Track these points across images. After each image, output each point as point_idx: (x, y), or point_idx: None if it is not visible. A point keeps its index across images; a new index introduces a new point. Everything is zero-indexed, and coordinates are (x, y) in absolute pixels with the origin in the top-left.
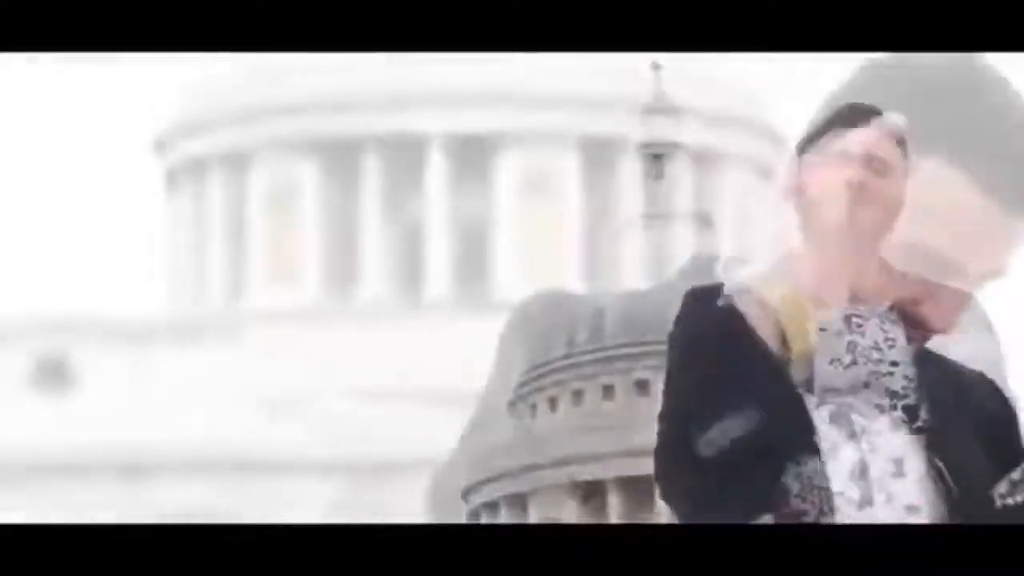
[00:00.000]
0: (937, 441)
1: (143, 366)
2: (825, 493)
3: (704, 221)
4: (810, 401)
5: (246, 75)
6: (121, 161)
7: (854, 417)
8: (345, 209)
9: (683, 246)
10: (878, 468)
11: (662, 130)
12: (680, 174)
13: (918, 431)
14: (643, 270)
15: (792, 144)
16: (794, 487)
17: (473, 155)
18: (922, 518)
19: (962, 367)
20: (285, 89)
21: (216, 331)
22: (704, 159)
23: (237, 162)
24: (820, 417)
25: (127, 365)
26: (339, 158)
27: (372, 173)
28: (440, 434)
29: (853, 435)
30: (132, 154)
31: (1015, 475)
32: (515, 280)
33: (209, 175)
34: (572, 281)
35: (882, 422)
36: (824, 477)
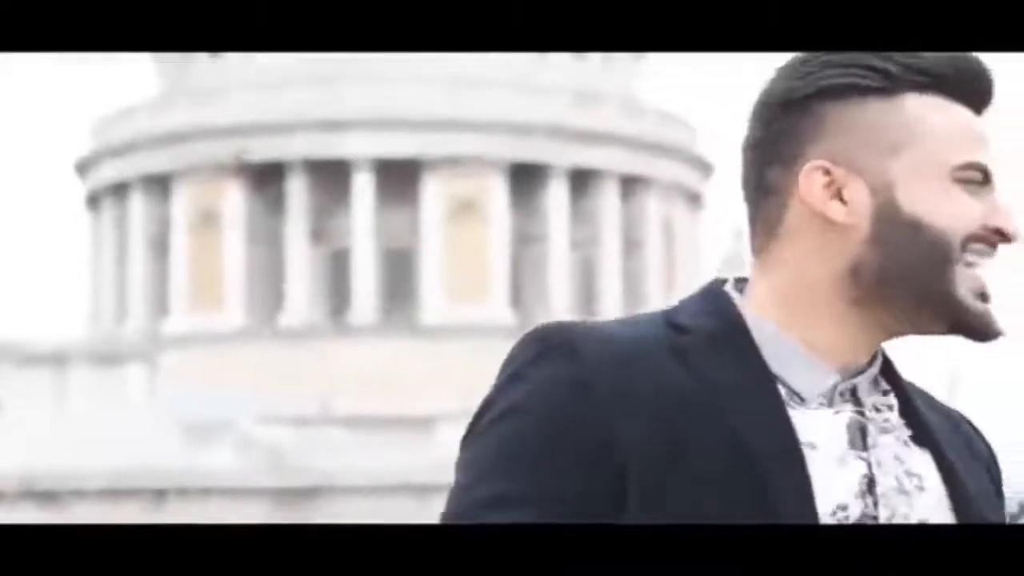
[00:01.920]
0: (942, 458)
1: (62, 390)
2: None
3: (632, 246)
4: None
5: (169, 96)
6: (43, 183)
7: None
8: (270, 233)
9: (610, 271)
10: (886, 483)
11: (589, 155)
12: (607, 199)
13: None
14: (571, 296)
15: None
16: None
17: (400, 179)
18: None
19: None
20: (209, 110)
21: (137, 355)
22: (631, 184)
23: (160, 184)
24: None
25: (46, 390)
26: (264, 181)
27: (297, 196)
28: (366, 459)
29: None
30: (54, 176)
31: (1007, 506)
32: (442, 304)
33: (131, 198)
34: (498, 303)
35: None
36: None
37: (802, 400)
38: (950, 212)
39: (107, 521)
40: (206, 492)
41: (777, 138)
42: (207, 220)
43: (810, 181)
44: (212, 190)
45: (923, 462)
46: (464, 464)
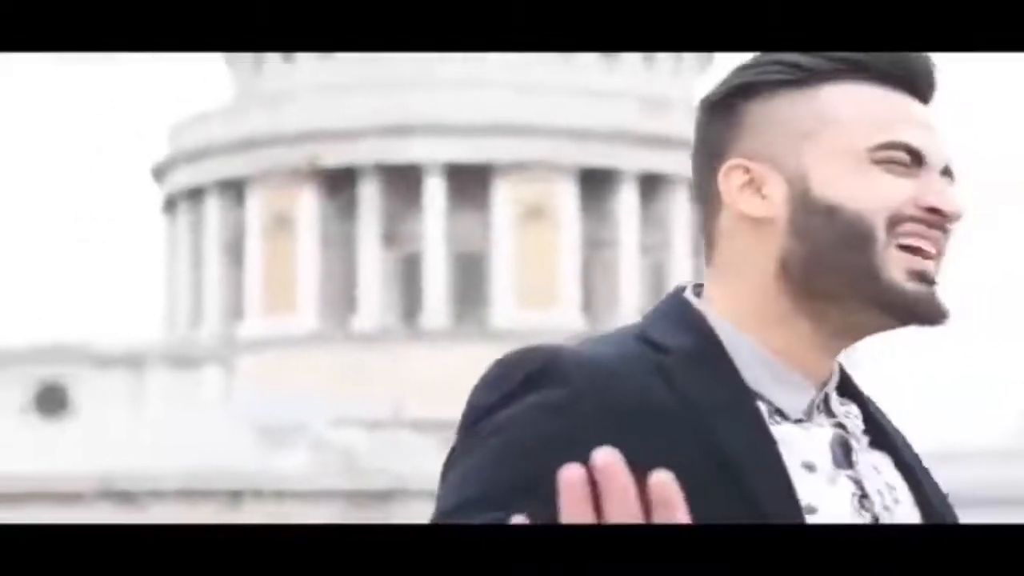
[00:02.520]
0: (901, 462)
1: (139, 392)
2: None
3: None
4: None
5: (242, 101)
6: (121, 187)
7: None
8: (342, 237)
9: (680, 275)
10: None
11: (658, 160)
12: (677, 204)
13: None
14: (641, 300)
15: None
16: None
17: (471, 184)
18: None
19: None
20: (282, 116)
21: (212, 358)
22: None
23: (235, 189)
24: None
25: (124, 392)
26: (336, 185)
27: (369, 201)
28: (438, 463)
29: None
30: (131, 180)
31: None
32: (512, 309)
33: (207, 202)
34: (568, 309)
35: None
36: None
37: (784, 416)
38: (868, 194)
39: (183, 522)
40: (280, 494)
41: (704, 143)
42: (281, 224)
43: (728, 180)
44: (286, 195)
45: (891, 468)
46: (447, 488)
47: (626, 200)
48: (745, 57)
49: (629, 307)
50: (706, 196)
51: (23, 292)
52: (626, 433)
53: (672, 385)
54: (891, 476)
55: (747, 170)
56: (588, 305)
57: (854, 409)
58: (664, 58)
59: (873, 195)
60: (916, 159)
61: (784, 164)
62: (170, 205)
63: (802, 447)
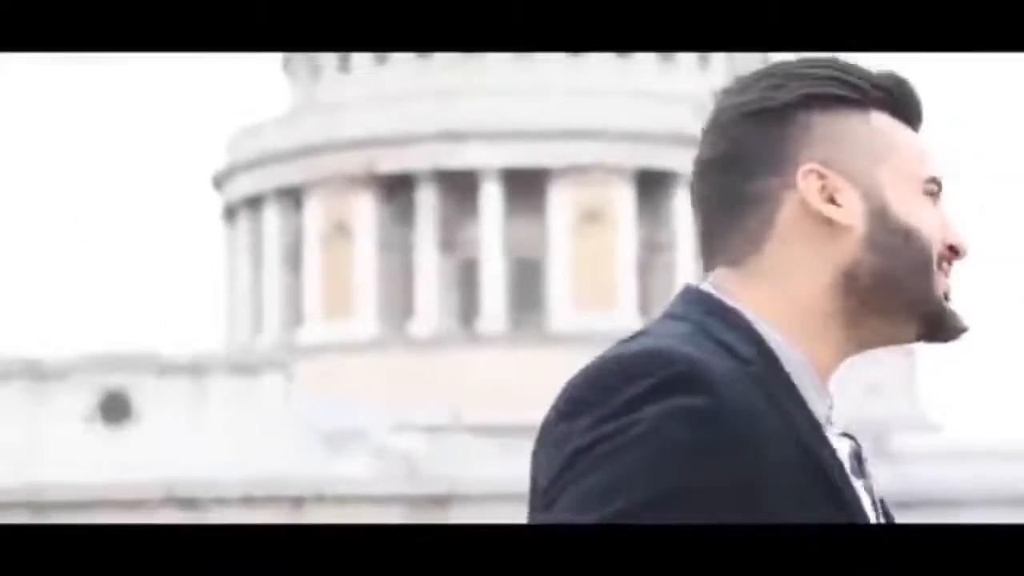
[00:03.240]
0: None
1: (201, 400)
2: None
3: None
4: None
5: (299, 110)
6: (181, 196)
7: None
8: (400, 243)
9: None
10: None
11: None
12: None
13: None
14: None
15: None
16: None
17: (527, 188)
18: None
19: None
20: (337, 124)
21: (273, 364)
22: None
23: (293, 197)
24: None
25: (186, 400)
26: (393, 192)
27: (426, 206)
28: (497, 467)
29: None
30: (192, 189)
31: None
32: (570, 312)
33: (266, 210)
34: (626, 312)
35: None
36: None
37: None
38: (930, 223)
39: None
40: (342, 500)
41: (758, 148)
42: (339, 231)
43: (808, 183)
44: (343, 202)
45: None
46: (604, 488)
47: (682, 202)
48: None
49: None
50: (752, 200)
51: (85, 301)
52: (753, 445)
53: (767, 396)
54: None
55: (822, 176)
56: (645, 307)
57: (833, 416)
58: (719, 60)
59: (932, 225)
60: (940, 193)
61: (860, 179)
62: (230, 213)
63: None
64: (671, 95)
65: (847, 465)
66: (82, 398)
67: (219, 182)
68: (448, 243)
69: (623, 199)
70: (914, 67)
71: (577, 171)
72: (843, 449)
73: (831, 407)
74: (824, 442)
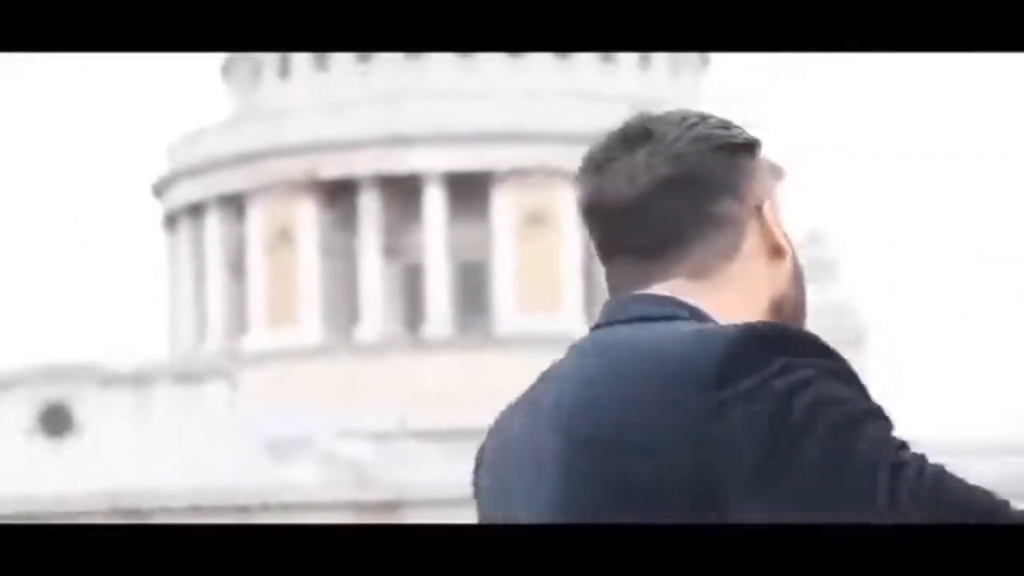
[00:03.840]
0: None
1: (145, 410)
2: None
3: None
4: None
5: (240, 116)
6: (121, 204)
7: None
8: (344, 249)
9: None
10: None
11: None
12: None
13: None
14: None
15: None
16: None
17: (470, 192)
18: None
19: None
20: (279, 130)
21: (217, 373)
22: None
23: (235, 204)
24: None
25: (129, 409)
26: (336, 198)
27: (369, 212)
28: (444, 471)
29: None
30: (132, 197)
31: None
32: (515, 315)
33: (208, 217)
34: (571, 313)
35: None
36: None
37: None
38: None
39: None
40: (287, 507)
41: (719, 175)
42: (282, 238)
43: (771, 215)
44: (286, 208)
45: None
46: (853, 394)
47: None
48: (741, 57)
49: None
50: (720, 220)
51: (24, 312)
52: None
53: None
54: None
55: (769, 210)
56: (590, 309)
57: None
58: (661, 60)
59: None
60: None
61: (779, 221)
62: (171, 221)
63: None
64: (612, 96)
65: None
66: (23, 411)
67: (159, 189)
68: (392, 248)
69: (566, 201)
70: (913, 67)
71: (520, 174)
72: None
73: None
74: None
